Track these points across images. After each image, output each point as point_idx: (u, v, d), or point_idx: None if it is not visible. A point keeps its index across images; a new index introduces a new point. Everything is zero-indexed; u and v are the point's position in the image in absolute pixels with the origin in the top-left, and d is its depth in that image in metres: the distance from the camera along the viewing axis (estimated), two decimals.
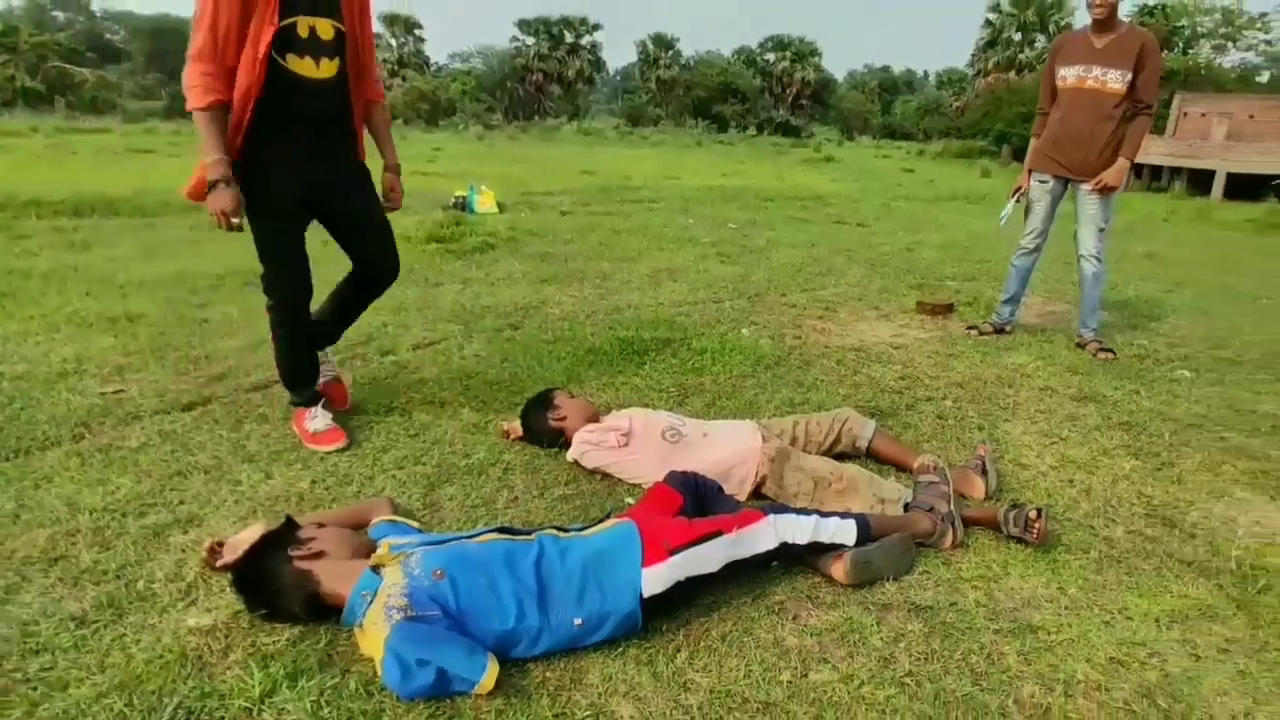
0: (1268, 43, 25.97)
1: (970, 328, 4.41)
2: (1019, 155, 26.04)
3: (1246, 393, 3.56)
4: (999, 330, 4.35)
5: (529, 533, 1.80)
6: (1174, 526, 2.33)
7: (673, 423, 2.53)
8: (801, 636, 1.73)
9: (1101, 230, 3.97)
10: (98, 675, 1.54)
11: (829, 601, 1.86)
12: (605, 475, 2.45)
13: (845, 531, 1.94)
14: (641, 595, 1.64)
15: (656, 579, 1.66)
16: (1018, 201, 4.35)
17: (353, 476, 2.39)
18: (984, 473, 2.47)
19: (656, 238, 7.12)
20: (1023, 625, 1.81)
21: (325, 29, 2.32)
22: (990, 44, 39.97)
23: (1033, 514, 2.12)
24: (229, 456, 2.51)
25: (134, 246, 5.74)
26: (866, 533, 1.96)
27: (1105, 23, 3.77)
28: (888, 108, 70.11)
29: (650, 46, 61.08)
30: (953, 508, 2.17)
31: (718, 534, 1.77)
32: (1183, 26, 25.93)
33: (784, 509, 1.96)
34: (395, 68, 59.81)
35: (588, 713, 1.48)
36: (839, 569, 1.91)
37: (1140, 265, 7.05)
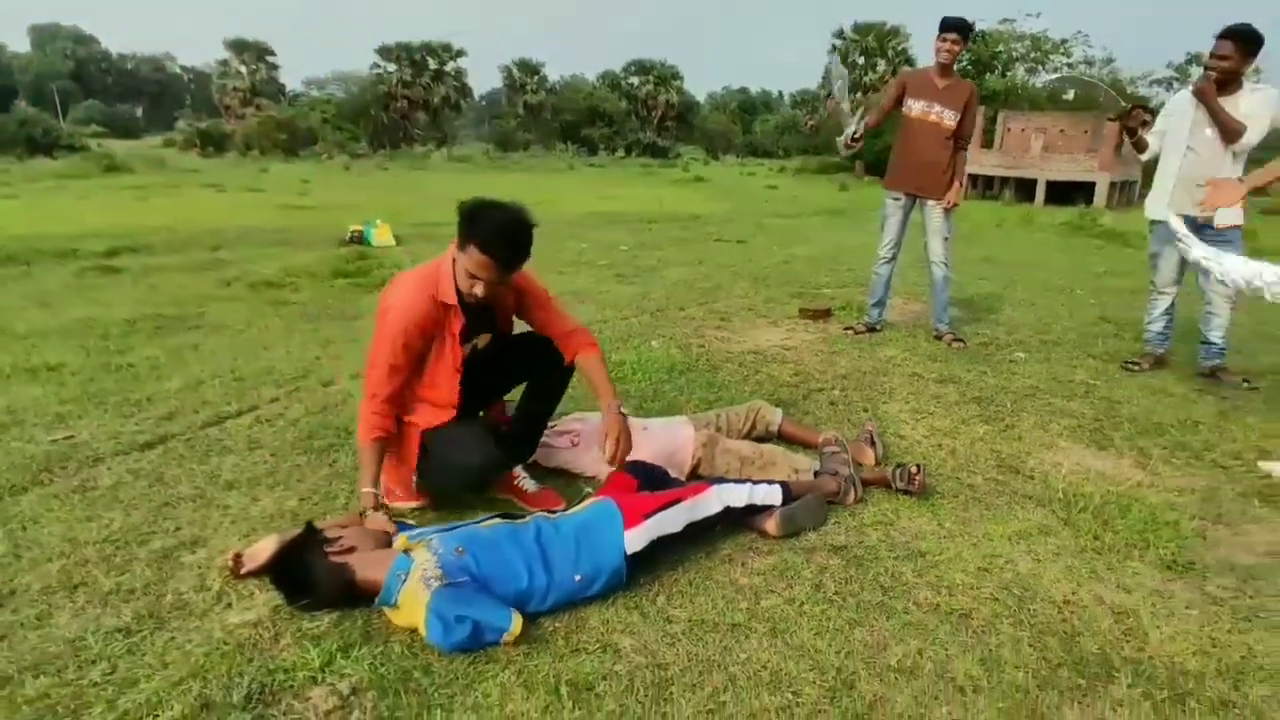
0: (1070, 65, 29.55)
1: (847, 328, 5.06)
2: (870, 170, 28.32)
3: (1065, 367, 4.35)
4: (871, 329, 5.02)
5: (523, 516, 2.15)
6: (1017, 472, 2.95)
7: None
8: (750, 576, 2.17)
9: (946, 240, 4.71)
10: (164, 670, 1.77)
11: (766, 550, 2.32)
12: (563, 472, 2.82)
13: (773, 495, 2.40)
14: (625, 553, 2.02)
15: (636, 539, 2.05)
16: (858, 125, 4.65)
17: (336, 493, 2.64)
18: (873, 443, 3.02)
19: (555, 262, 7.49)
20: (914, 552, 2.33)
21: (484, 340, 2.55)
22: None
23: (914, 470, 2.66)
24: (208, 486, 2.69)
25: (20, 296, 5.54)
26: (788, 495, 2.43)
27: (947, 68, 4.50)
28: (748, 127, 73.51)
29: (516, 72, 61.40)
30: (852, 471, 2.68)
31: (677, 501, 2.19)
32: (1001, 51, 29.12)
33: (724, 480, 2.40)
34: (248, 96, 57.26)
35: (596, 644, 1.85)
36: (771, 525, 2.37)
37: (979, 268, 8.08)
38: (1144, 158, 4.11)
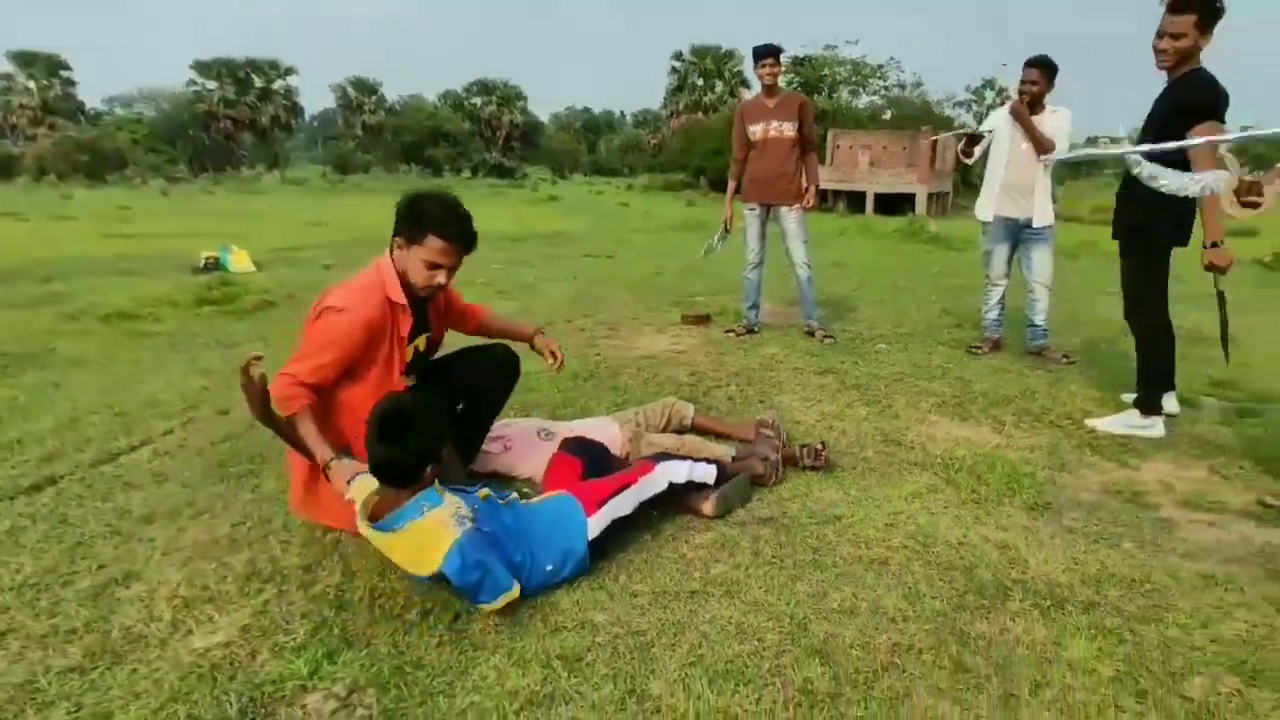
0: (886, 89, 32.64)
1: (728, 331, 5.42)
2: (715, 185, 29.71)
3: (922, 354, 4.91)
4: (749, 330, 5.40)
5: (506, 495, 2.27)
6: (900, 444, 3.35)
7: (542, 424, 3.06)
8: (696, 550, 2.38)
9: (805, 243, 5.18)
10: (138, 700, 1.72)
11: (704, 528, 2.53)
12: (499, 475, 2.91)
13: (710, 473, 2.61)
14: (589, 539, 2.18)
15: (596, 525, 2.21)
16: (725, 234, 5.45)
17: (270, 516, 2.59)
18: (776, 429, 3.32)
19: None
20: (831, 517, 2.62)
21: (422, 342, 2.62)
22: (678, 88, 44.90)
23: (819, 447, 2.98)
24: (121, 522, 2.56)
25: None
26: (723, 473, 2.65)
27: (772, 89, 4.98)
28: (593, 146, 74.83)
29: (351, 91, 59.25)
30: (780, 456, 2.94)
31: (627, 486, 2.37)
32: (826, 75, 31.62)
33: (667, 457, 2.60)
34: (39, 114, 51.55)
35: (574, 623, 1.99)
36: (707, 506, 2.58)
37: (831, 271, 8.79)
38: (970, 162, 4.78)
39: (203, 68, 52.01)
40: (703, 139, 32.04)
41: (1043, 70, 4.30)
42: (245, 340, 5.02)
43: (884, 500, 2.77)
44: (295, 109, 56.81)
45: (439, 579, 1.92)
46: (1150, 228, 3.40)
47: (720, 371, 4.46)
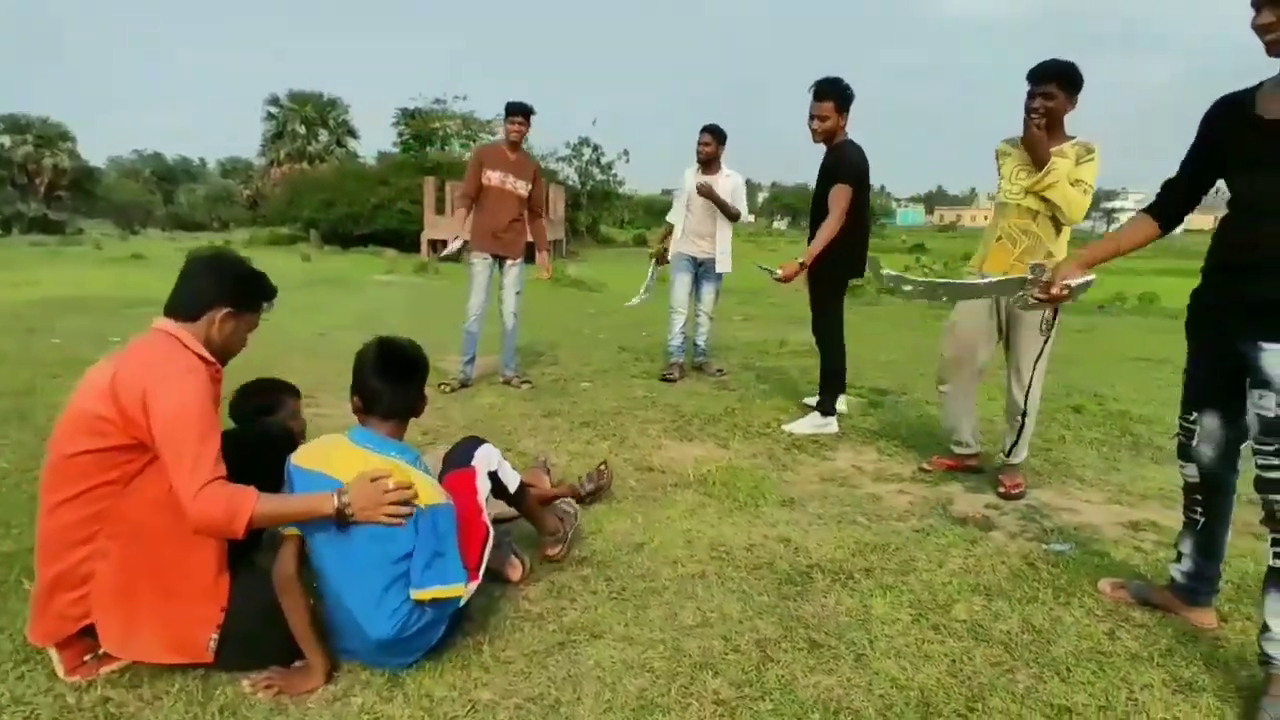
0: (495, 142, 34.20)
1: (441, 385, 5.30)
2: (329, 239, 28.17)
3: (624, 388, 5.37)
4: (464, 384, 5.35)
5: None
6: (652, 469, 3.67)
7: None
8: (537, 604, 2.38)
9: (519, 294, 5.37)
10: None
11: (532, 580, 2.52)
12: None
13: (515, 479, 2.54)
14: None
15: (470, 589, 2.10)
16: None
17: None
18: (547, 470, 3.41)
19: (68, 364, 5.91)
20: (634, 545, 2.80)
21: None
22: (278, 135, 41.48)
23: (601, 468, 3.18)
24: None
25: None
26: (523, 490, 2.58)
27: (516, 145, 5.17)
28: (170, 197, 65.52)
29: None
30: (575, 527, 2.92)
31: (487, 536, 2.27)
32: (437, 128, 32.18)
33: (478, 443, 2.46)
34: None
35: (464, 708, 1.86)
36: (515, 573, 2.54)
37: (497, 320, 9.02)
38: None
39: None
40: (312, 190, 30.12)
41: (714, 135, 5.17)
42: None
43: (668, 521, 3.04)
44: None
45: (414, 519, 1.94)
46: (831, 264, 4.20)
47: (451, 426, 4.37)
